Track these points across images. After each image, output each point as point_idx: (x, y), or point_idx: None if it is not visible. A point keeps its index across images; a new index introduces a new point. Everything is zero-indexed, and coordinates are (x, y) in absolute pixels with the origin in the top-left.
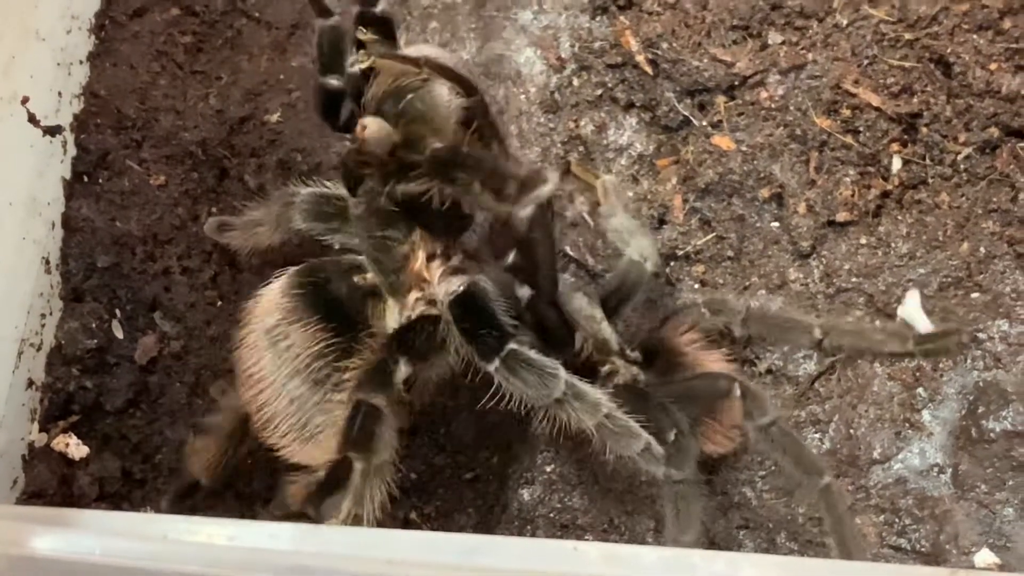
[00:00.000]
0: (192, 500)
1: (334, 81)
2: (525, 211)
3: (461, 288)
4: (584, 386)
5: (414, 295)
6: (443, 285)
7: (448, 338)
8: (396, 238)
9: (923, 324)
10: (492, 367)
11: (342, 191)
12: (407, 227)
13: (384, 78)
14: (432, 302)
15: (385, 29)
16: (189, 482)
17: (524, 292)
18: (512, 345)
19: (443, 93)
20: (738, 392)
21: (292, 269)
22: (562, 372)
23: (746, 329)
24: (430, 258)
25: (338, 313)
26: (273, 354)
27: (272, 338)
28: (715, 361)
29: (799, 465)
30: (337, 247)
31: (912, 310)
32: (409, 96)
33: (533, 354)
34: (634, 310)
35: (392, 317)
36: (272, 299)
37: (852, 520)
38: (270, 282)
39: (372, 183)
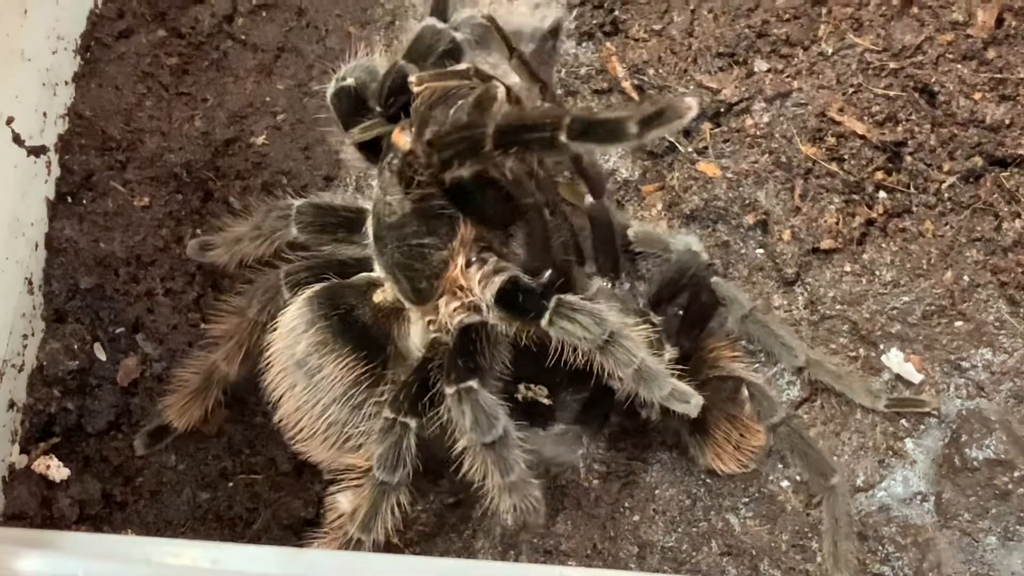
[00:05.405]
0: (164, 442)
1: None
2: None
3: (500, 283)
4: (630, 330)
5: (451, 304)
6: (488, 290)
7: (500, 336)
8: (435, 245)
9: (911, 375)
10: (545, 322)
11: (340, 201)
12: (449, 232)
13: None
14: (474, 308)
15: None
16: (161, 424)
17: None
18: (558, 295)
19: None
20: (745, 392)
21: (307, 294)
22: (607, 313)
23: (742, 326)
24: (468, 264)
25: (366, 339)
26: (307, 385)
27: (306, 371)
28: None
29: (808, 464)
30: (341, 258)
31: (896, 363)
32: (460, 103)
33: (579, 299)
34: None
35: (416, 333)
36: (295, 327)
37: (850, 527)
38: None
39: (425, 176)
